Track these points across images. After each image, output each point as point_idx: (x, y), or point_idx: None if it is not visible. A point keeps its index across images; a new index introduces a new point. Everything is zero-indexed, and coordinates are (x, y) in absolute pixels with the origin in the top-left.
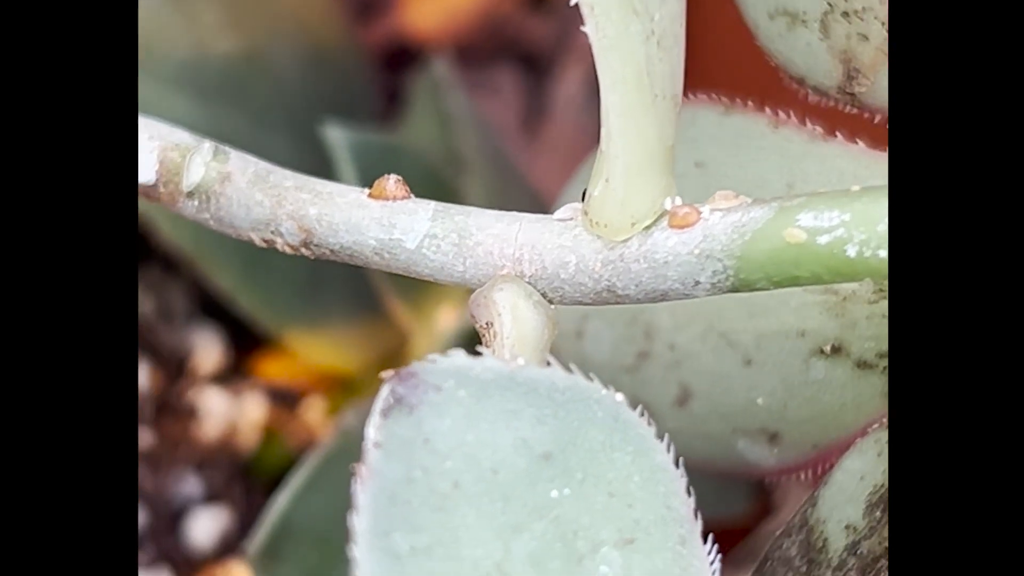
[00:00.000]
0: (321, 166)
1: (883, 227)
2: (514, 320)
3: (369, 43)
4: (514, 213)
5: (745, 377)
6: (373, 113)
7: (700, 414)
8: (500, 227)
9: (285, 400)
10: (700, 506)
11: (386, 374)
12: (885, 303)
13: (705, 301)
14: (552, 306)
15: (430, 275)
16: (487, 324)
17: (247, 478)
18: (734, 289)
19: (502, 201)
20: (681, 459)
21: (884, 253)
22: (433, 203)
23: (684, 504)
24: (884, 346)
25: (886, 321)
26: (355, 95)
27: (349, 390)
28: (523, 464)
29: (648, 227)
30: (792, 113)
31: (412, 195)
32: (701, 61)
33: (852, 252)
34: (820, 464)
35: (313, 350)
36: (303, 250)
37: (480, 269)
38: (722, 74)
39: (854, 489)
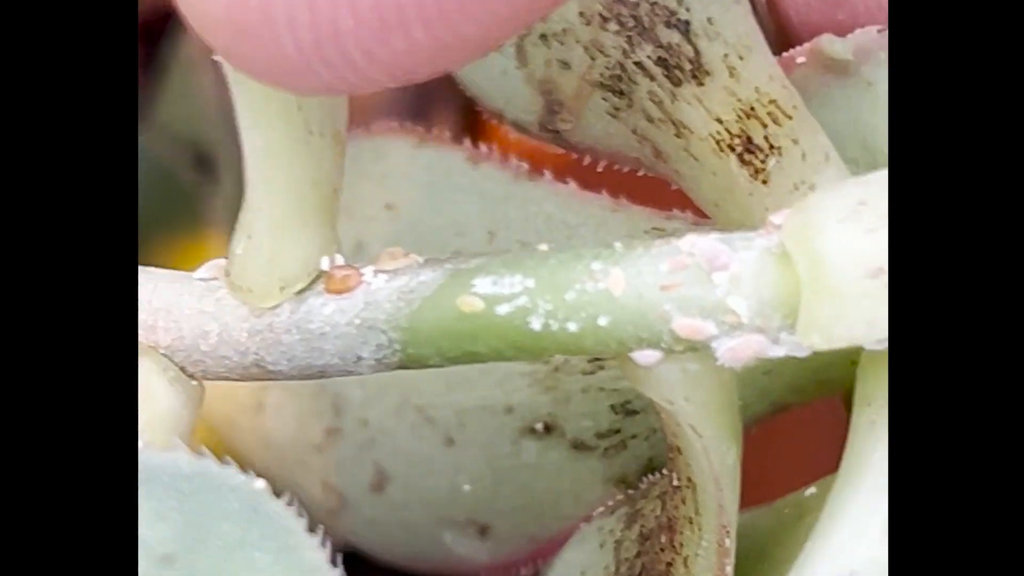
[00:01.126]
0: None
1: (572, 296)
2: (145, 398)
3: None
4: (150, 269)
5: (448, 459)
6: None
7: (399, 501)
8: None
9: None
10: None
11: None
12: (603, 374)
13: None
14: (194, 382)
15: None
16: None
17: None
18: (403, 365)
19: None
20: (340, 556)
21: (575, 326)
22: None
23: None
24: (602, 425)
25: (604, 395)
26: None
27: None
28: (140, 568)
29: (301, 292)
30: (495, 147)
31: None
32: None
33: (537, 325)
34: (540, 560)
35: None
36: None
37: None
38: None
39: None
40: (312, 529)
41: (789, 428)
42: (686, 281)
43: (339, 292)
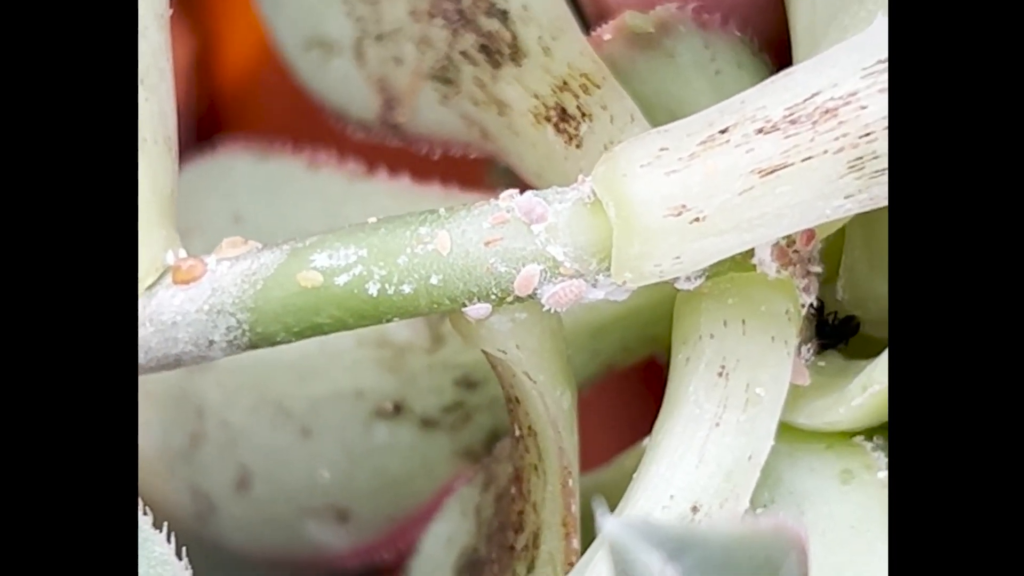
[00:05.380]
0: None
1: (404, 260)
2: None
3: None
4: None
5: (305, 450)
6: None
7: (263, 497)
8: None
9: None
10: None
11: None
12: (444, 351)
13: (255, 368)
14: None
15: None
16: None
17: None
18: (253, 345)
19: None
20: (184, 549)
21: (409, 288)
22: None
23: None
24: (446, 399)
25: (447, 371)
26: None
27: None
28: None
29: (151, 287)
30: (337, 152)
31: None
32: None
33: (373, 290)
34: (399, 542)
35: None
36: None
37: None
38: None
39: (442, 556)
40: (157, 526)
41: (620, 390)
42: (507, 235)
43: (186, 282)
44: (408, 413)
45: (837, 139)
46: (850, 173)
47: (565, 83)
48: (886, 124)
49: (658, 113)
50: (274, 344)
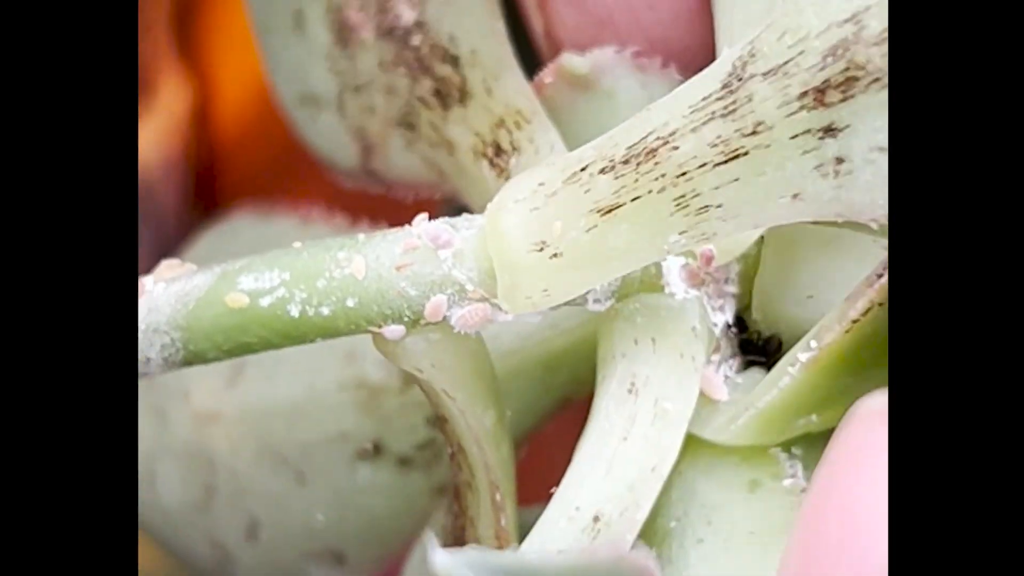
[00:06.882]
0: None
1: (323, 283)
2: None
3: None
4: None
5: (301, 495)
6: None
7: (269, 544)
8: None
9: None
10: None
11: None
12: (415, 391)
13: (254, 415)
14: None
15: None
16: None
17: None
18: (187, 363)
19: None
20: None
21: (327, 310)
22: None
23: None
24: (420, 437)
25: (418, 409)
26: None
27: None
28: None
29: None
30: (325, 200)
31: None
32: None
33: (295, 312)
34: None
35: None
36: None
37: None
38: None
39: None
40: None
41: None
42: (417, 260)
43: None
44: (386, 453)
45: (657, 179)
46: (678, 211)
47: (502, 120)
48: (699, 163)
49: None
50: (207, 362)
